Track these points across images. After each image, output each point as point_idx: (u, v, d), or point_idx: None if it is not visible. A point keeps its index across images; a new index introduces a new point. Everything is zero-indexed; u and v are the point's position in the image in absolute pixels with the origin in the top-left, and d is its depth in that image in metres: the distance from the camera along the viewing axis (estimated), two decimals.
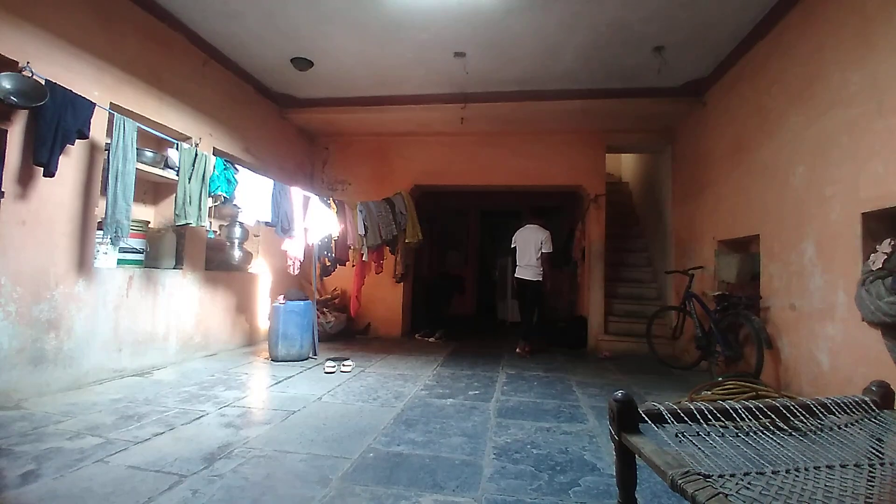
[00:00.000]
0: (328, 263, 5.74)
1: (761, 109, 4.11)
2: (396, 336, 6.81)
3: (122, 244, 3.65)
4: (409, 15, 4.02)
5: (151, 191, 4.61)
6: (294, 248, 5.00)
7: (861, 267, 2.87)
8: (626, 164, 9.36)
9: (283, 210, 4.75)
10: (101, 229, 3.43)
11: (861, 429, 1.31)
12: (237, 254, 5.30)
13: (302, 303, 4.85)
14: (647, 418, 1.26)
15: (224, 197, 4.18)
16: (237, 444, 2.46)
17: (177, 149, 3.91)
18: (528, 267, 5.78)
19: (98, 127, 3.46)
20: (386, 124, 6.55)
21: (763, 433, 1.25)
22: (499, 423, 3.01)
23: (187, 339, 4.53)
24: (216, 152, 4.83)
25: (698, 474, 1.01)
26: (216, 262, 5.08)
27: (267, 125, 5.94)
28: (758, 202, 4.17)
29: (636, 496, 1.32)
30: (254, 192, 4.42)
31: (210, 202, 4.24)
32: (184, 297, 4.48)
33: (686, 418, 1.25)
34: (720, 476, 1.04)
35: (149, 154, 4.00)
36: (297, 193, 4.94)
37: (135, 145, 3.52)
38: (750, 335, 4.04)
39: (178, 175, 3.85)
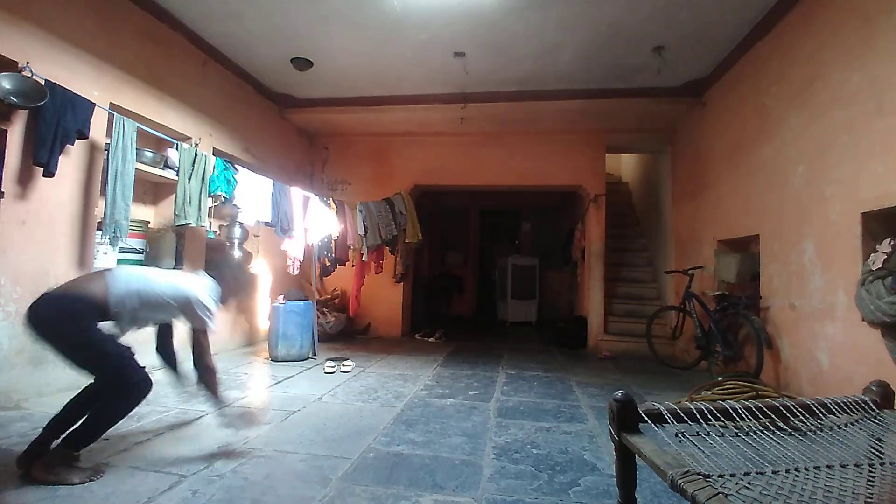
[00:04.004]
0: (328, 263, 5.74)
1: (761, 109, 4.11)
2: (396, 336, 6.81)
3: (120, 244, 3.65)
4: (409, 15, 4.02)
5: (151, 191, 4.61)
6: (294, 248, 5.00)
7: (861, 267, 2.87)
8: (626, 164, 9.36)
9: (283, 210, 4.75)
10: (100, 229, 3.43)
11: (861, 429, 1.31)
12: (237, 254, 5.30)
13: (302, 303, 4.85)
14: (647, 418, 1.26)
15: (224, 197, 4.18)
16: (237, 444, 2.46)
17: (176, 149, 3.91)
18: None
19: (98, 127, 3.45)
20: (386, 124, 6.55)
21: (763, 433, 1.25)
22: (499, 423, 3.01)
23: (187, 339, 4.51)
24: (216, 152, 4.83)
25: (698, 474, 1.01)
26: (216, 262, 5.07)
27: (267, 125, 5.93)
28: (758, 202, 4.17)
29: (636, 496, 1.32)
30: (254, 192, 4.42)
31: (210, 202, 4.24)
32: None
33: (686, 418, 1.25)
34: (720, 476, 1.04)
35: (148, 154, 3.99)
36: (296, 193, 4.94)
37: (134, 145, 3.52)
38: (750, 335, 4.04)
39: (177, 175, 3.85)
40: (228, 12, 4.09)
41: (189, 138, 4.49)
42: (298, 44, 4.62)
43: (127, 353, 2.11)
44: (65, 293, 2.06)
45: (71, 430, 2.04)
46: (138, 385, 2.10)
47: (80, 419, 2.07)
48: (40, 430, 2.06)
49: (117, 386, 2.07)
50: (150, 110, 4.06)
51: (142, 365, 2.14)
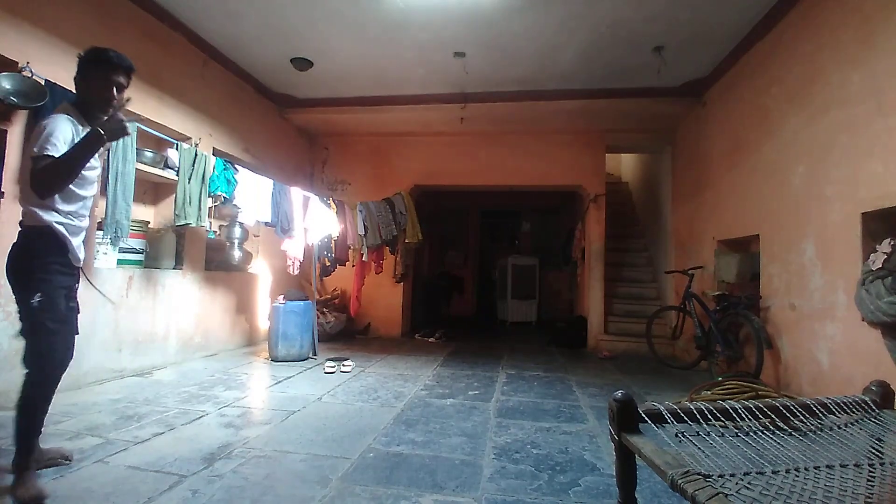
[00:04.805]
0: (328, 263, 5.74)
1: (761, 109, 4.11)
2: (396, 336, 6.81)
3: (121, 244, 3.65)
4: (409, 15, 4.02)
5: (151, 191, 4.61)
6: (294, 248, 5.00)
7: (861, 267, 2.87)
8: (626, 164, 9.36)
9: (283, 210, 4.75)
10: (100, 229, 3.43)
11: (861, 429, 1.31)
12: (237, 254, 5.30)
13: (302, 303, 4.85)
14: (647, 418, 1.26)
15: (224, 197, 4.18)
16: (237, 445, 2.46)
17: (177, 149, 3.91)
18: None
19: None
20: (386, 124, 6.55)
21: (763, 433, 1.25)
22: (499, 422, 3.01)
23: (187, 339, 4.52)
24: (216, 152, 4.83)
25: (698, 474, 1.01)
26: (216, 263, 5.08)
27: (267, 125, 5.93)
28: (758, 202, 4.17)
29: (636, 496, 1.32)
30: (254, 192, 4.42)
31: (210, 202, 4.24)
32: (184, 297, 4.47)
33: (686, 418, 1.25)
34: (720, 476, 1.04)
35: (149, 154, 3.99)
36: (296, 193, 4.94)
37: (134, 145, 3.52)
38: (750, 335, 4.04)
39: (177, 175, 3.85)
40: (228, 12, 4.09)
41: (189, 138, 4.49)
42: (298, 44, 4.62)
43: (71, 329, 2.00)
44: (25, 235, 1.91)
45: (15, 433, 1.87)
46: (63, 361, 2.00)
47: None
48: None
49: (38, 356, 1.95)
50: (150, 110, 4.05)
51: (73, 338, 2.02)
